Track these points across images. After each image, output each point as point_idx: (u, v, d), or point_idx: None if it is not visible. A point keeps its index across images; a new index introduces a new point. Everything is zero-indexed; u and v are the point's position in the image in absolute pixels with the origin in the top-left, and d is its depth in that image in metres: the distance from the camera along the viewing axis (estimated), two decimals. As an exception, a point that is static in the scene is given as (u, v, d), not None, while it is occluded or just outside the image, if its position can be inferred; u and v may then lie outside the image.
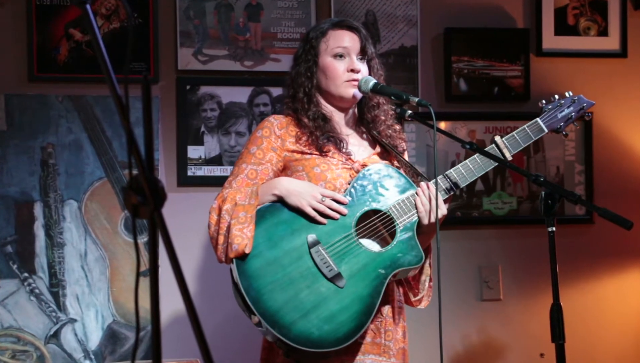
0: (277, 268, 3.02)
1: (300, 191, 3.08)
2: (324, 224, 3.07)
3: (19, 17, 4.23)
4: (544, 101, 3.37)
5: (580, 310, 4.60)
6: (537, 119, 3.32)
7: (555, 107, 3.34)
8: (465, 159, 3.27)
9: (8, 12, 4.24)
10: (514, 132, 3.29)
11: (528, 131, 3.29)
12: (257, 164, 3.19)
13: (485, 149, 3.25)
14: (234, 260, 3.00)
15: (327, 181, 3.15)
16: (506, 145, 3.26)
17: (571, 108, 3.35)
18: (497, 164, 3.23)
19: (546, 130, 3.31)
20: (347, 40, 3.27)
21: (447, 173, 3.23)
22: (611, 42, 4.74)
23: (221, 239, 3.07)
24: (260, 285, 2.98)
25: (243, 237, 3.02)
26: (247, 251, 3.01)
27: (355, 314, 3.02)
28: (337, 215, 3.08)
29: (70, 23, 4.26)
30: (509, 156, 3.26)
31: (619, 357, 4.67)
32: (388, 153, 3.34)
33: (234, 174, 3.21)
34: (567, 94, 3.37)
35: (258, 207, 3.06)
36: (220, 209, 3.10)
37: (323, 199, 3.07)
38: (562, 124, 3.34)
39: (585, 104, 3.38)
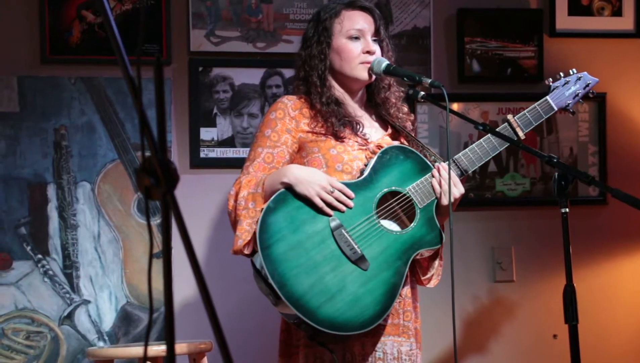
0: (301, 252, 3.01)
1: (309, 179, 3.05)
2: (331, 216, 3.06)
3: (31, 0, 4.24)
4: (550, 79, 3.37)
5: (593, 291, 4.59)
6: (547, 97, 3.33)
7: (562, 84, 3.35)
8: (478, 140, 3.27)
9: (20, -6, 4.25)
10: (525, 111, 3.29)
11: (539, 109, 3.31)
12: (273, 147, 3.17)
13: (498, 128, 3.26)
14: (258, 245, 2.98)
15: (344, 163, 3.15)
16: (519, 124, 3.27)
17: (577, 86, 3.36)
18: (508, 145, 3.23)
19: (556, 108, 3.33)
20: (362, 21, 3.25)
21: (456, 157, 3.22)
22: (625, 22, 4.71)
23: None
24: (284, 270, 2.98)
25: (250, 232, 3.03)
26: (246, 252, 3.03)
27: (380, 297, 3.02)
28: (343, 208, 3.06)
29: (82, 4, 4.26)
30: (521, 135, 3.27)
31: (632, 338, 4.67)
32: (399, 134, 3.33)
33: (251, 159, 3.19)
34: (571, 72, 3.37)
35: (276, 194, 3.05)
36: (237, 196, 3.09)
37: (332, 191, 3.06)
38: (569, 102, 3.35)
39: (590, 82, 3.38)
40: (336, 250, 3.03)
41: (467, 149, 3.23)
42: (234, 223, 3.09)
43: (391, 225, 3.12)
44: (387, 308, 3.03)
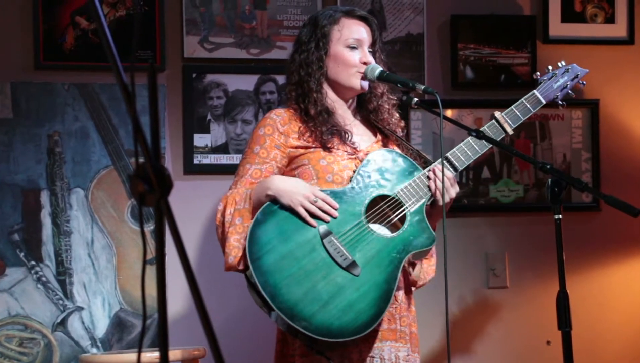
0: (291, 262, 3.01)
1: (292, 190, 3.05)
2: (314, 226, 3.05)
3: (25, 5, 4.23)
4: (538, 73, 3.38)
5: (586, 297, 4.59)
6: (534, 91, 3.32)
7: (550, 77, 3.35)
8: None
9: (14, 0, 4.24)
10: (512, 106, 3.29)
11: (526, 103, 3.29)
12: (261, 163, 3.17)
13: (485, 125, 3.25)
14: (248, 259, 2.99)
15: (335, 173, 3.14)
16: (506, 120, 3.26)
17: (565, 77, 3.36)
18: (491, 144, 3.23)
19: (543, 101, 3.32)
20: (362, 32, 3.25)
21: (448, 154, 3.22)
22: (618, 29, 4.72)
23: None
24: (276, 280, 2.98)
25: (240, 248, 3.03)
26: (240, 268, 3.04)
27: (374, 301, 3.02)
28: (328, 218, 3.06)
29: (76, 11, 4.26)
30: (510, 131, 3.26)
31: (626, 344, 4.67)
32: (389, 140, 3.33)
33: (239, 175, 3.19)
34: (559, 64, 3.38)
35: (265, 206, 3.05)
36: (224, 211, 3.10)
37: (315, 200, 3.06)
38: (558, 94, 3.35)
39: (579, 72, 3.39)
40: (327, 257, 3.03)
41: (455, 148, 3.22)
42: (222, 239, 3.11)
43: (382, 229, 3.12)
44: (382, 311, 3.02)
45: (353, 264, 3.03)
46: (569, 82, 3.36)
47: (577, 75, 3.39)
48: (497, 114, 3.26)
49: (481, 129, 3.22)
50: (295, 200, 3.04)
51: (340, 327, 2.97)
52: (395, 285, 3.06)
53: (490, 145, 3.24)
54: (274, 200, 3.06)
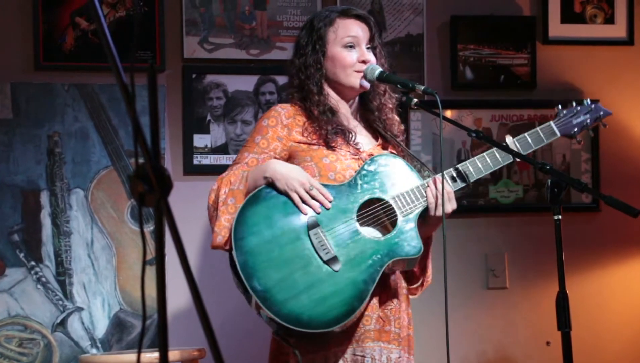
0: (274, 247, 3.02)
1: (289, 175, 3.06)
2: (305, 213, 3.06)
3: (25, 6, 4.23)
4: (559, 106, 3.31)
5: (586, 298, 4.59)
6: (551, 122, 3.26)
7: (571, 113, 3.28)
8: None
9: (14, 1, 4.25)
10: (525, 134, 3.24)
11: (540, 133, 3.24)
12: (260, 153, 3.18)
13: (495, 148, 3.22)
14: (232, 237, 3.00)
15: (337, 172, 3.15)
16: (517, 146, 3.22)
17: (587, 115, 3.28)
18: (507, 162, 3.21)
19: (559, 134, 3.25)
20: (357, 30, 3.25)
21: (457, 166, 3.20)
22: (618, 29, 4.72)
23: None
24: (256, 262, 2.99)
25: (229, 228, 3.04)
26: (227, 248, 3.04)
27: (348, 299, 3.01)
28: (319, 207, 3.07)
29: (76, 11, 4.27)
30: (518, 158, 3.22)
31: (625, 344, 4.67)
32: (389, 144, 3.33)
33: (236, 162, 3.21)
34: (585, 102, 3.30)
35: (260, 188, 3.07)
36: (218, 190, 3.11)
37: (310, 188, 3.07)
38: (575, 130, 3.27)
39: (602, 113, 3.31)
40: (310, 248, 3.04)
41: (475, 158, 3.21)
42: (213, 218, 3.11)
43: (372, 231, 3.12)
44: (354, 310, 3.01)
45: (334, 259, 3.03)
46: (589, 121, 3.28)
47: (600, 115, 3.31)
48: (508, 139, 3.22)
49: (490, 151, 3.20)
50: (290, 185, 3.05)
51: (309, 318, 2.97)
52: (372, 286, 3.05)
53: (511, 160, 3.21)
54: (270, 184, 3.07)
